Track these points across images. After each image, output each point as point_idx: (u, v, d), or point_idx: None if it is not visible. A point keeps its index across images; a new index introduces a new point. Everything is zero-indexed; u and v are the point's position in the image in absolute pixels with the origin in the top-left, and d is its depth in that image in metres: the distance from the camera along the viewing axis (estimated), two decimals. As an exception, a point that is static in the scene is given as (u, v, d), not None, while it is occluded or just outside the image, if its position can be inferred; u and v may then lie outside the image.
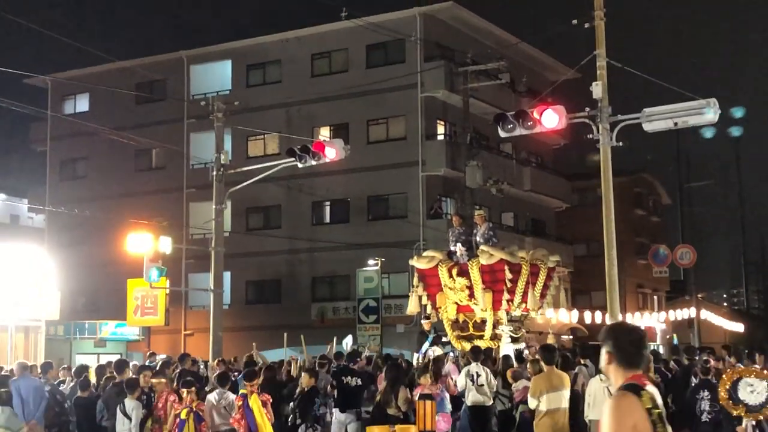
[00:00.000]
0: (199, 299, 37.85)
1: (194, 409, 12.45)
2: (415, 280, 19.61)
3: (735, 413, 9.84)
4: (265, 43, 41.11)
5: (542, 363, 12.68)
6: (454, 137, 37.96)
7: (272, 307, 38.63)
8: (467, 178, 34.44)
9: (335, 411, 15.16)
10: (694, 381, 13.34)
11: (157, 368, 16.55)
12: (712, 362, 14.69)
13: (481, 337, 18.42)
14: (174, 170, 41.60)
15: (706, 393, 12.06)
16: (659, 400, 4.53)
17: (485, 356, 15.89)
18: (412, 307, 19.82)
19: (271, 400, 12.69)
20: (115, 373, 15.33)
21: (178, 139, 40.46)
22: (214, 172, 25.05)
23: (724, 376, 10.51)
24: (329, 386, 15.90)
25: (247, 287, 40.47)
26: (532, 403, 12.39)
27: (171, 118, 41.06)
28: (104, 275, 38.95)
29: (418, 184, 36.76)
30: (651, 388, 4.55)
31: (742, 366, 14.59)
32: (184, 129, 41.24)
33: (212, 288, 25.33)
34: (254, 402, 12.08)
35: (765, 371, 10.90)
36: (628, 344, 4.66)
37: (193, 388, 12.67)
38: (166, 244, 23.70)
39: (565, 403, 12.23)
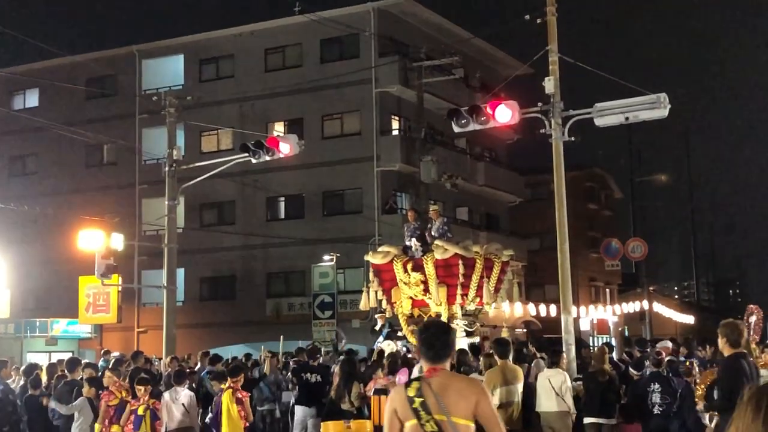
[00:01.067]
0: (152, 296, 37.51)
1: (150, 406, 12.34)
2: (370, 275, 19.60)
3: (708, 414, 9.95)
4: (217, 37, 40.82)
5: (496, 357, 12.74)
6: (408, 132, 38.01)
7: (227, 304, 38.42)
8: (422, 173, 34.53)
9: (297, 407, 15.15)
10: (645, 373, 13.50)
11: (110, 366, 16.37)
12: (663, 354, 14.87)
13: (435, 332, 18.46)
14: (126, 166, 41.14)
15: (657, 386, 12.21)
16: (431, 395, 4.86)
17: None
18: (366, 303, 19.82)
19: (248, 397, 12.63)
20: (66, 371, 15.15)
21: (130, 134, 40.03)
22: (167, 168, 24.81)
23: (701, 376, 10.63)
24: (290, 383, 15.92)
25: (201, 284, 40.20)
26: None
27: (122, 113, 40.63)
28: (55, 272, 38.45)
29: (373, 179, 36.77)
30: (434, 380, 4.89)
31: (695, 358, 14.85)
32: (136, 124, 40.83)
33: (165, 285, 25.11)
34: (225, 397, 12.02)
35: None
36: (422, 341, 5.04)
37: (149, 386, 12.56)
38: (118, 241, 23.47)
39: (518, 397, 12.29)
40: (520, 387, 12.39)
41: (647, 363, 15.16)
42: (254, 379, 17.62)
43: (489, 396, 5.00)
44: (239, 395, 12.20)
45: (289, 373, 17.53)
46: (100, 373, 14.61)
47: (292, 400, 16.45)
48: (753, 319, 14.79)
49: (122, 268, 29.01)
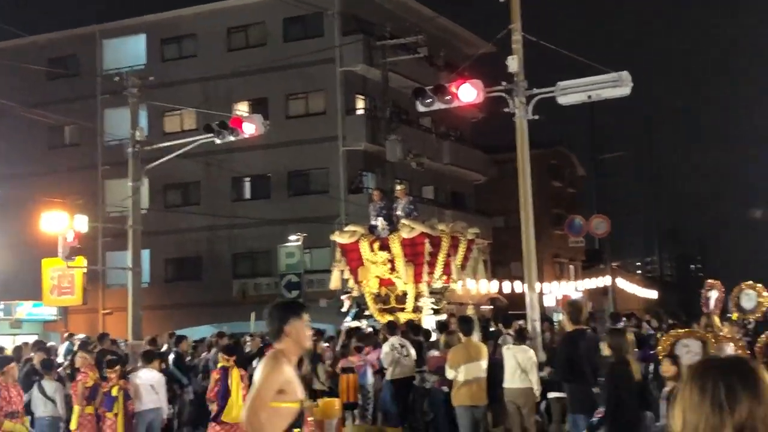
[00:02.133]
0: (117, 278, 37.25)
1: (122, 387, 12.35)
2: (337, 254, 19.68)
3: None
4: (179, 16, 40.45)
5: (460, 334, 12.87)
6: (373, 112, 37.99)
7: (192, 285, 38.29)
8: (387, 152, 34.53)
9: None
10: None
11: (76, 348, 16.33)
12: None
13: (402, 310, 18.61)
14: (88, 147, 40.77)
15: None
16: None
17: (408, 328, 16.07)
18: (334, 282, 19.90)
19: (247, 375, 12.64)
20: (32, 354, 15.10)
21: (92, 115, 39.65)
22: (130, 149, 24.61)
23: (662, 340, 10.83)
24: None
25: (167, 265, 40.02)
26: (449, 374, 12.55)
27: (84, 93, 40.16)
28: (19, 255, 38.01)
29: (339, 158, 36.76)
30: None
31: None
32: (98, 105, 40.40)
33: (131, 267, 24.97)
34: (236, 376, 11.95)
35: (696, 331, 11.28)
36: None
37: (118, 367, 12.56)
38: (81, 223, 23.26)
39: (482, 374, 12.43)
40: (484, 364, 12.53)
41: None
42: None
43: (264, 375, 5.17)
44: (240, 373, 12.15)
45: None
46: (70, 357, 14.56)
47: None
48: (714, 293, 15.04)
49: (86, 249, 28.77)
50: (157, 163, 24.76)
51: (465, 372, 12.26)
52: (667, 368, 9.63)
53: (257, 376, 5.23)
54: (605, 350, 9.19)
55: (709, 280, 16.79)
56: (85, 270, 30.84)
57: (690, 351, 10.51)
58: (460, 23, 43.49)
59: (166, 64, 39.66)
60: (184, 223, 38.47)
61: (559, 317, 29.50)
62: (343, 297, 20.37)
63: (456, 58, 40.38)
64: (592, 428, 9.06)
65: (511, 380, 12.74)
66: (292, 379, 5.25)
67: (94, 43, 41.47)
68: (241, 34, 39.56)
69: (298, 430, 5.20)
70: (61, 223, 22.74)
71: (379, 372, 14.91)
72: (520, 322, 16.02)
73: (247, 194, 39.69)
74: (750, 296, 15.42)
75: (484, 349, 12.87)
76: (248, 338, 19.57)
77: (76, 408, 12.57)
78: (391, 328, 15.48)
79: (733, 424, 2.52)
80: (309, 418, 5.42)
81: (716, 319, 12.72)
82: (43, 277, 32.09)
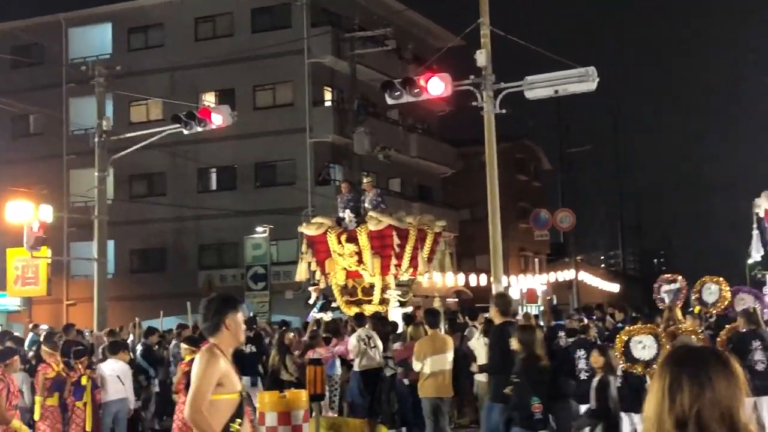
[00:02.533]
0: (81, 268, 36.99)
1: (90, 376, 12.32)
2: (304, 246, 19.68)
3: (636, 372, 10.33)
4: (146, 5, 40.15)
5: (426, 326, 12.97)
6: (341, 104, 38.00)
7: (158, 276, 38.11)
8: (355, 144, 34.57)
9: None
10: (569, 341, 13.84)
11: (42, 339, 16.23)
12: (586, 321, 15.29)
13: (369, 302, 18.67)
14: (53, 136, 40.37)
15: (583, 352, 12.58)
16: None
17: (376, 320, 16.16)
18: (301, 274, 19.91)
19: None
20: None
21: (57, 104, 39.27)
22: (96, 139, 24.46)
23: (617, 339, 10.98)
24: None
25: (132, 256, 39.80)
26: (416, 366, 12.64)
27: (49, 82, 39.75)
28: (-19, 245, 37.66)
29: (306, 150, 36.72)
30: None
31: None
32: (63, 94, 40.03)
33: (96, 257, 24.84)
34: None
35: (648, 326, 11.44)
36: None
37: (85, 357, 12.52)
38: (46, 213, 23.07)
39: (448, 366, 12.54)
40: (450, 356, 12.64)
41: (596, 330, 15.58)
42: None
43: (201, 370, 5.31)
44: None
45: None
46: (35, 347, 14.47)
47: None
48: (673, 286, 15.26)
49: (51, 240, 28.55)
50: (123, 153, 24.64)
51: (431, 364, 12.36)
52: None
53: (194, 371, 5.34)
54: (514, 345, 9.46)
55: (666, 275, 17.05)
56: (49, 260, 30.62)
57: (645, 347, 10.66)
58: (428, 17, 43.58)
59: (133, 54, 39.37)
60: (149, 213, 38.26)
61: (522, 311, 29.74)
62: (310, 288, 20.38)
63: (424, 51, 40.48)
64: (532, 424, 9.34)
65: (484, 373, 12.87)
66: (229, 371, 5.38)
67: (60, 31, 41.07)
68: (209, 24, 39.38)
69: (239, 420, 5.30)
70: (25, 212, 22.54)
71: (347, 363, 14.98)
72: (487, 315, 16.13)
73: (214, 185, 39.56)
74: (712, 290, 15.64)
75: (450, 342, 12.97)
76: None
77: (38, 399, 12.52)
78: (359, 319, 15.55)
79: (675, 414, 2.63)
80: (249, 409, 5.54)
81: (678, 313, 12.92)
82: (7, 267, 31.82)
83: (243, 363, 14.99)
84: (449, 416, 13.01)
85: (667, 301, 15.31)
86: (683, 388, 2.63)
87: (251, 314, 22.11)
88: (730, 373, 2.67)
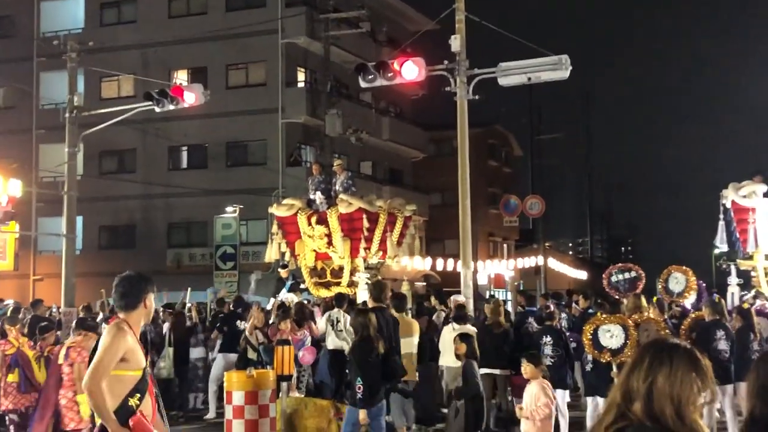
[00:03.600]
0: (49, 244, 36.78)
1: (45, 354, 12.28)
2: (274, 227, 19.69)
3: (604, 360, 10.52)
4: (120, -19, 39.80)
5: (392, 310, 13.09)
6: (314, 85, 37.94)
7: (126, 253, 37.89)
8: (327, 126, 34.55)
9: (222, 355, 15.64)
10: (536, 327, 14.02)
11: (8, 314, 16.15)
12: (552, 307, 15.47)
13: (338, 284, 18.72)
14: (23, 111, 39.97)
15: (548, 338, 12.77)
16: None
17: (347, 303, 16.26)
18: (270, 255, 19.94)
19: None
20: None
21: (28, 78, 38.89)
22: (67, 115, 24.31)
23: (585, 328, 11.15)
24: (215, 331, 16.44)
25: (100, 232, 39.59)
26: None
27: (20, 56, 39.33)
28: (-53, 218, 37.31)
29: (278, 131, 36.64)
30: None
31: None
32: (34, 68, 39.65)
33: (65, 233, 24.73)
34: None
35: (616, 316, 11.62)
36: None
37: (49, 334, 12.50)
38: (15, 187, 22.94)
39: (413, 349, 12.64)
40: (415, 340, 12.74)
41: (563, 315, 15.76)
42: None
43: (106, 344, 5.47)
44: None
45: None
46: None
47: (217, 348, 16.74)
48: (631, 275, 15.47)
49: (19, 214, 28.36)
50: (94, 129, 24.51)
51: (396, 347, 12.47)
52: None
53: (101, 344, 5.49)
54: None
55: (617, 264, 17.28)
56: (17, 235, 30.43)
57: (613, 336, 10.84)
58: (404, 0, 43.51)
59: (105, 29, 39.04)
60: (119, 190, 38.04)
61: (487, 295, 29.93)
62: (279, 269, 20.41)
63: (399, 34, 40.48)
64: (356, 401, 9.94)
65: (455, 360, 13.00)
66: (134, 347, 5.54)
67: (31, 4, 40.61)
68: (183, 1, 39.10)
69: (139, 395, 5.48)
70: (-7, 187, 22.38)
71: (317, 344, 15.07)
72: (460, 298, 16.24)
73: (184, 164, 39.39)
74: (678, 279, 15.86)
75: (416, 326, 13.08)
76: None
77: None
78: (339, 300, 15.67)
79: (622, 387, 3.01)
80: (153, 385, 5.74)
81: (643, 300, 13.08)
82: (-27, 241, 31.56)
83: (235, 340, 15.35)
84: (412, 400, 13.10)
85: (620, 290, 15.50)
86: (641, 367, 2.94)
87: (215, 295, 22.21)
88: (693, 366, 2.87)
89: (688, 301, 16.35)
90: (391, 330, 11.13)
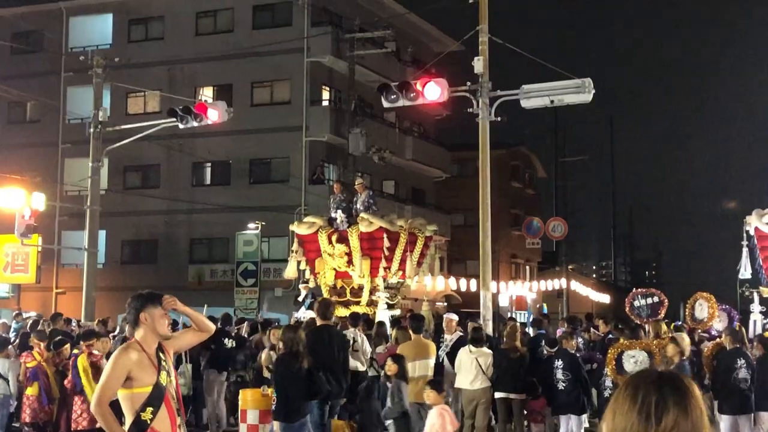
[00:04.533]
0: (72, 257, 36.98)
1: (60, 368, 12.32)
2: (295, 245, 19.73)
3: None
4: (148, -2, 40.17)
5: (410, 331, 13.03)
6: (338, 104, 38.04)
7: (148, 268, 38.08)
8: (350, 145, 34.60)
9: (207, 371, 15.49)
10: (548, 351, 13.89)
11: (28, 327, 16.24)
12: (559, 332, 15.34)
13: (357, 303, 18.71)
14: (49, 124, 40.34)
15: (560, 362, 12.65)
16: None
17: (363, 322, 16.20)
18: (290, 272, 19.95)
19: None
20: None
21: (55, 92, 39.23)
22: (92, 129, 24.47)
23: (609, 352, 11.04)
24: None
25: (123, 247, 39.78)
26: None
27: (48, 70, 39.73)
28: (-28, 230, 37.63)
29: (301, 149, 36.74)
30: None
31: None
32: (61, 82, 39.99)
33: (86, 247, 24.84)
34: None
35: (641, 342, 11.52)
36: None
37: (64, 348, 12.52)
38: (39, 201, 23.07)
39: (429, 372, 12.57)
40: (432, 362, 12.66)
41: (580, 340, 15.62)
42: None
43: (109, 366, 5.77)
44: None
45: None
46: (17, 335, 14.48)
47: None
48: (654, 300, 15.36)
49: (42, 228, 28.55)
50: (118, 144, 24.67)
51: (412, 369, 12.39)
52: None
53: (105, 366, 5.81)
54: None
55: (639, 289, 17.15)
56: (40, 248, 30.61)
57: (637, 362, 10.73)
58: (430, 21, 43.63)
59: (132, 45, 39.39)
60: (142, 205, 38.25)
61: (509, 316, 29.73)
62: (300, 286, 20.42)
63: (424, 55, 40.56)
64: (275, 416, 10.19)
65: (472, 382, 12.90)
66: (142, 364, 5.71)
67: (60, 19, 41.04)
68: (210, 18, 39.38)
69: (151, 409, 5.65)
70: (18, 200, 22.52)
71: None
72: (453, 316, 16.08)
73: (208, 180, 39.56)
74: (702, 306, 15.74)
75: (433, 347, 12.99)
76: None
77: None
78: (354, 319, 15.62)
79: None
80: (171, 395, 5.86)
81: (663, 326, 12.97)
82: (-2, 253, 31.80)
83: (222, 358, 15.20)
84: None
85: (642, 315, 15.38)
86: (669, 411, 2.67)
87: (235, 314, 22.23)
88: (700, 403, 2.74)
89: (720, 325, 16.20)
90: (338, 347, 11.37)
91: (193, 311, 6.38)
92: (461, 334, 15.37)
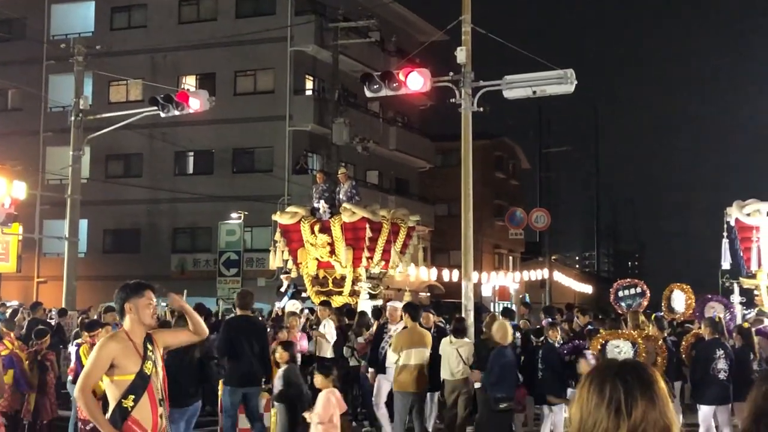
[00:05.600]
0: (54, 246, 36.77)
1: (39, 357, 12.25)
2: (278, 235, 19.69)
3: None
4: (131, -15, 39.92)
5: (407, 319, 13.04)
6: (322, 93, 37.96)
7: (131, 257, 37.93)
8: (334, 134, 34.55)
9: None
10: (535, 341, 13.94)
11: (7, 316, 16.16)
12: (543, 323, 15.40)
13: (340, 293, 18.72)
14: (31, 113, 40.05)
15: (540, 353, 12.72)
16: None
17: (340, 312, 16.21)
18: (273, 262, 19.92)
19: None
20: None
21: (36, 80, 38.95)
22: (73, 118, 24.34)
23: (592, 343, 11.08)
24: None
25: (105, 236, 39.62)
26: (392, 358, 12.67)
27: (29, 58, 39.43)
28: (-48, 219, 37.34)
29: (285, 138, 36.66)
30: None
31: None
32: (43, 70, 39.71)
33: (67, 236, 24.73)
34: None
35: (625, 332, 11.57)
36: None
37: (45, 338, 12.45)
38: (20, 189, 22.93)
39: (425, 361, 12.55)
40: (427, 351, 12.66)
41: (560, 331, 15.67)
42: None
43: (93, 355, 5.91)
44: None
45: None
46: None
47: None
48: (637, 290, 15.46)
49: (23, 217, 28.40)
50: (99, 133, 24.55)
51: (406, 357, 12.37)
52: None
53: (90, 355, 5.96)
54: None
55: (623, 280, 17.25)
56: (20, 237, 30.43)
57: (621, 352, 10.77)
58: (413, 10, 43.56)
59: (115, 33, 39.14)
60: (124, 194, 38.08)
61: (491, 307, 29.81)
62: (282, 276, 20.40)
63: (408, 44, 40.48)
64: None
65: (454, 373, 12.91)
66: (126, 353, 5.82)
67: (42, 7, 40.76)
68: (193, 7, 39.20)
69: (133, 396, 5.78)
70: (-2, 188, 22.35)
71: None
72: (397, 304, 16.09)
73: (190, 169, 39.42)
74: (679, 297, 15.84)
75: (429, 337, 12.97)
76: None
77: None
78: (324, 305, 15.66)
79: (628, 426, 2.65)
80: (155, 385, 5.97)
81: (642, 317, 13.03)
82: (-23, 242, 31.57)
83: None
84: (419, 411, 12.98)
85: (624, 306, 15.47)
86: (637, 403, 2.65)
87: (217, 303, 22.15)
88: (664, 391, 2.73)
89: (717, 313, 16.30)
90: (254, 337, 11.63)
91: (193, 313, 6.44)
92: (440, 325, 15.39)
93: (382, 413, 13.12)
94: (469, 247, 16.47)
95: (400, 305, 14.17)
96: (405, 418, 12.78)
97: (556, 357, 12.53)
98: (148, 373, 5.86)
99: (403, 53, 37.48)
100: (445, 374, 12.99)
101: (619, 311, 15.98)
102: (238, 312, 12.04)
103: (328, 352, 14.64)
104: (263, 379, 11.78)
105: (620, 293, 16.27)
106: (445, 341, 13.13)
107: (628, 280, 17.49)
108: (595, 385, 2.72)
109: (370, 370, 13.53)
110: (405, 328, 12.88)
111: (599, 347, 11.06)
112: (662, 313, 15.89)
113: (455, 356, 12.86)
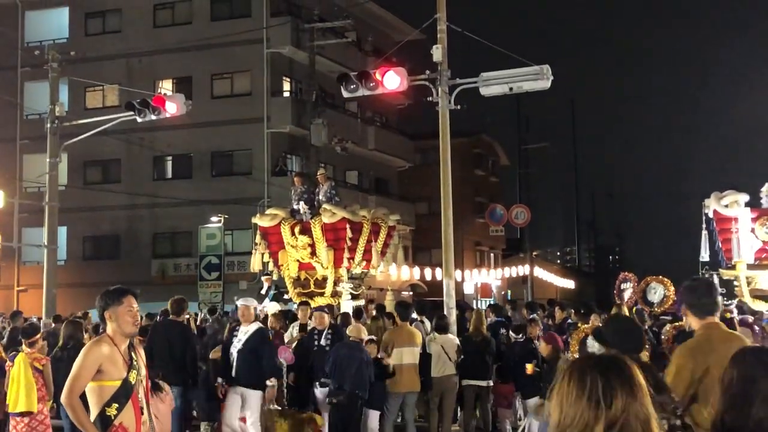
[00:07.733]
0: (33, 255, 36.52)
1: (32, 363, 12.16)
2: (258, 237, 19.63)
3: None
4: (104, -10, 39.70)
5: (397, 318, 13.07)
6: (299, 94, 37.90)
7: (111, 264, 37.73)
8: (312, 135, 34.50)
9: None
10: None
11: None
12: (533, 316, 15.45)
13: (322, 295, 18.67)
14: (7, 120, 39.76)
15: (519, 349, 12.76)
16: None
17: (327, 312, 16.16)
18: (255, 265, 19.86)
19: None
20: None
21: (12, 87, 38.70)
22: (48, 125, 24.18)
23: (572, 337, 11.08)
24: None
25: (84, 243, 39.40)
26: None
27: (4, 65, 39.19)
28: (-70, 229, 37.04)
29: (263, 140, 36.57)
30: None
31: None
32: (18, 77, 39.46)
33: (46, 244, 24.57)
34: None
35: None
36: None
37: (34, 339, 12.34)
38: (-3, 198, 22.80)
39: (414, 359, 12.56)
40: (417, 350, 12.66)
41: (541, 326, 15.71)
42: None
43: (80, 359, 5.84)
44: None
45: None
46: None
47: None
48: (629, 285, 15.49)
49: (2, 225, 28.22)
50: (76, 139, 24.40)
51: (397, 356, 12.37)
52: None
53: (77, 359, 5.88)
54: None
55: (625, 273, 17.28)
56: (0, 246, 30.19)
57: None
58: (389, 9, 43.56)
59: (89, 39, 38.93)
60: (103, 200, 37.86)
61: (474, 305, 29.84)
62: (263, 278, 20.36)
63: (384, 44, 40.47)
64: None
65: (440, 369, 12.93)
66: (113, 359, 5.80)
67: (15, 14, 40.47)
68: (168, 11, 39.03)
69: (116, 405, 5.74)
70: (-25, 197, 22.22)
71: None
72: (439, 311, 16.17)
73: (169, 173, 39.26)
74: (656, 290, 15.87)
75: (419, 336, 12.98)
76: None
77: None
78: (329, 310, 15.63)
79: (607, 419, 2.67)
80: (139, 394, 5.94)
81: (625, 310, 13.07)
82: (-44, 252, 31.34)
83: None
84: (411, 411, 13.00)
85: (626, 298, 15.54)
86: (617, 395, 2.68)
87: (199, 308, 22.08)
88: (643, 383, 2.74)
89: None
90: (178, 342, 12.13)
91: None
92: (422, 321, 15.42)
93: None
94: (449, 245, 16.49)
95: (327, 313, 13.67)
96: (395, 418, 12.85)
97: (530, 352, 12.61)
98: (133, 382, 5.87)
99: (379, 53, 37.49)
100: (434, 372, 13.02)
101: (618, 302, 15.99)
102: (172, 317, 12.63)
103: None
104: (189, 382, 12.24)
105: (622, 286, 16.28)
106: (429, 338, 13.18)
107: (626, 273, 17.49)
108: (575, 379, 2.74)
109: (219, 379, 11.59)
110: (395, 326, 12.91)
111: (579, 342, 11.06)
112: (640, 306, 15.95)
113: (440, 353, 12.91)
